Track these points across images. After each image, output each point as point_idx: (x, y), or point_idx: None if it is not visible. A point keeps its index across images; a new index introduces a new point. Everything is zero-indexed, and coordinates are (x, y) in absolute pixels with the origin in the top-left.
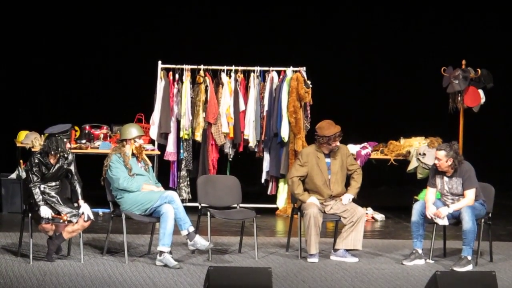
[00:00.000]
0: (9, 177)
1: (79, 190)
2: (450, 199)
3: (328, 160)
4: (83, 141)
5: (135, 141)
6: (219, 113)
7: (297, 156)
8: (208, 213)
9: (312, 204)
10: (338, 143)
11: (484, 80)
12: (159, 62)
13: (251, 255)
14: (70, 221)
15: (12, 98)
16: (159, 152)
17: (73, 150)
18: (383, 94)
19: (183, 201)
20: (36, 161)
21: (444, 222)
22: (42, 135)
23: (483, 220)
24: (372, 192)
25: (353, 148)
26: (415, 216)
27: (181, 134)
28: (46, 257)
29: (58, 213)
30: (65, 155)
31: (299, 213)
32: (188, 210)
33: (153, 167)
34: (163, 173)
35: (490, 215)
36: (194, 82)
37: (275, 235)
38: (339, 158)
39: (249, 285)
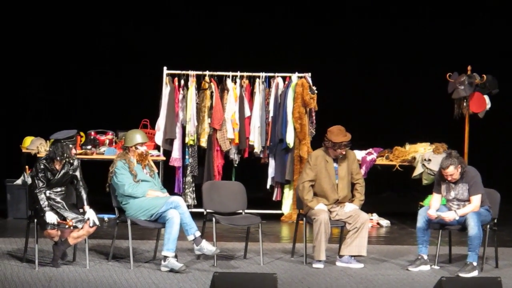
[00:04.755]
0: (14, 183)
1: (84, 195)
2: (456, 204)
3: (335, 165)
4: (89, 147)
5: (136, 148)
6: (224, 119)
7: (306, 160)
8: (214, 219)
9: (323, 210)
10: (344, 152)
11: (489, 85)
12: (165, 68)
13: (257, 261)
14: (75, 227)
15: (17, 104)
16: (164, 158)
17: (78, 156)
18: (388, 100)
19: (188, 207)
20: (42, 166)
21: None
22: (48, 141)
23: (488, 226)
24: (377, 198)
25: (358, 154)
26: (420, 222)
27: (187, 140)
28: (51, 262)
29: (63, 218)
30: (71, 161)
31: (304, 219)
32: (193, 216)
33: (158, 173)
34: (169, 179)
35: (495, 221)
36: (199, 88)
37: (280, 241)
38: (346, 162)
39: None
